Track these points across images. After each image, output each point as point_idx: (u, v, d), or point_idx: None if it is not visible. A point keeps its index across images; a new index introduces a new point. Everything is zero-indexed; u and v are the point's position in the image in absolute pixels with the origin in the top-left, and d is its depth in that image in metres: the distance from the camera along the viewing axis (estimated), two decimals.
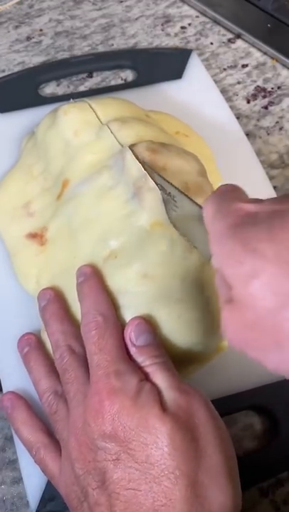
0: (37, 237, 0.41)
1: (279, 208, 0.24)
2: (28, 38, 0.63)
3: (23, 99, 0.54)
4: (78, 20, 0.65)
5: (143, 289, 0.35)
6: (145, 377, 0.32)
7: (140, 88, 0.55)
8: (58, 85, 0.58)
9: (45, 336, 0.38)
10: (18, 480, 0.37)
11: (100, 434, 0.30)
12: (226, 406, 0.38)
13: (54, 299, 0.38)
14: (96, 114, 0.43)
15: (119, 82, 0.58)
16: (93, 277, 0.36)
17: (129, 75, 0.59)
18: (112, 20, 0.65)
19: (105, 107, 0.43)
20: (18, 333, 0.39)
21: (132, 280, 0.35)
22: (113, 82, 0.58)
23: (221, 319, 0.25)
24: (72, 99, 0.46)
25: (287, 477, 0.38)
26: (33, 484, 0.36)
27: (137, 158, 0.37)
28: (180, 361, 0.36)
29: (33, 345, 0.38)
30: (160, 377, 0.32)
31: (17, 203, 0.43)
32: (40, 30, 0.64)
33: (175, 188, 0.35)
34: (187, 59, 0.58)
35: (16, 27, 0.65)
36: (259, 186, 0.49)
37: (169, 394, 0.31)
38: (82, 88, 0.58)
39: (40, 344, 0.38)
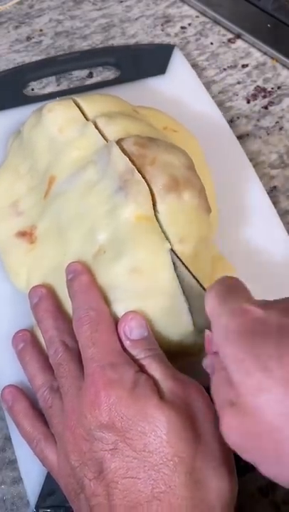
0: (26, 235, 0.42)
1: (286, 322, 0.25)
2: (28, 38, 0.64)
3: (8, 99, 0.54)
4: (78, 21, 0.65)
5: (133, 283, 0.35)
6: (140, 369, 0.32)
7: (124, 84, 0.56)
8: (58, 85, 0.58)
9: (38, 333, 0.39)
10: (18, 480, 0.37)
11: (96, 425, 0.30)
12: None
13: (46, 296, 0.39)
14: (82, 110, 0.43)
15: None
16: (82, 274, 0.37)
17: None
18: (112, 21, 0.65)
19: (91, 103, 0.44)
20: (11, 331, 0.40)
21: (121, 275, 0.36)
22: None
23: (221, 419, 0.26)
24: (58, 97, 0.46)
25: None
26: (32, 480, 0.36)
27: (125, 152, 0.38)
28: (174, 354, 0.36)
29: (27, 341, 0.38)
30: (155, 369, 0.32)
31: (5, 202, 0.44)
32: (41, 30, 0.64)
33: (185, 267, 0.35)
34: (170, 54, 0.58)
35: (16, 27, 0.65)
36: (245, 175, 0.49)
37: (166, 384, 0.31)
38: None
39: (34, 340, 0.39)
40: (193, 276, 0.34)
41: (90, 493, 0.30)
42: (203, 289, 0.33)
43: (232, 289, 0.29)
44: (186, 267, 0.35)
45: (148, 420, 0.29)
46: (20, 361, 0.38)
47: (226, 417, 0.25)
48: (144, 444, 0.29)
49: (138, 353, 0.33)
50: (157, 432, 0.29)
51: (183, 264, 0.35)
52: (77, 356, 0.34)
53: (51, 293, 0.39)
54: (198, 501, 0.28)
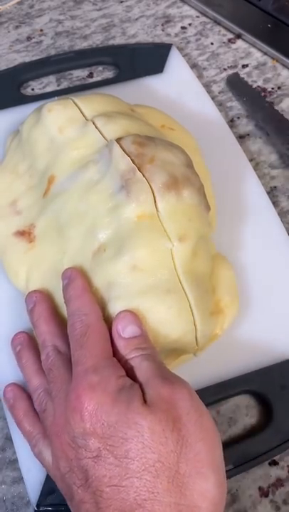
0: (25, 234, 0.42)
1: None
2: (29, 38, 0.64)
3: (6, 98, 0.54)
4: (79, 21, 0.65)
5: (133, 281, 0.35)
6: (131, 368, 0.32)
7: (123, 83, 0.56)
8: (58, 85, 0.58)
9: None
10: (19, 480, 0.37)
11: (79, 432, 0.30)
12: (219, 392, 0.39)
13: (40, 301, 0.39)
14: (80, 110, 0.43)
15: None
16: (77, 279, 0.37)
17: None
18: (113, 21, 0.65)
19: (90, 103, 0.44)
20: (10, 331, 0.40)
21: (121, 272, 0.36)
22: None
23: None
24: (56, 97, 0.46)
25: (287, 477, 0.38)
26: (33, 478, 0.36)
27: (124, 151, 0.38)
28: (172, 351, 0.36)
29: (25, 343, 0.39)
30: (145, 368, 0.32)
31: (3, 201, 0.44)
32: (41, 30, 0.64)
33: None
34: (168, 53, 0.58)
35: (17, 27, 0.65)
36: (244, 175, 0.49)
37: (152, 384, 0.31)
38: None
39: (32, 342, 0.39)
40: None
41: (79, 499, 0.30)
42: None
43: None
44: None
45: (130, 426, 0.29)
46: (18, 363, 0.38)
47: None
48: (125, 451, 0.29)
49: (130, 351, 0.33)
50: (139, 437, 0.29)
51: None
52: (68, 361, 0.34)
53: (46, 297, 0.39)
54: (184, 506, 0.28)
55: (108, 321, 0.35)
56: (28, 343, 0.39)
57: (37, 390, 0.35)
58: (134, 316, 0.35)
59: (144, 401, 0.30)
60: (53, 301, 0.39)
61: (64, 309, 0.38)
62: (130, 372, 0.32)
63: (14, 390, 0.37)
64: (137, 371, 0.32)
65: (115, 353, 0.34)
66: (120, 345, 0.34)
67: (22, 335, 0.39)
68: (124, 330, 0.34)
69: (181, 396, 0.30)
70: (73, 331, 0.34)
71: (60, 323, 0.38)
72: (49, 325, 0.37)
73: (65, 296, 0.37)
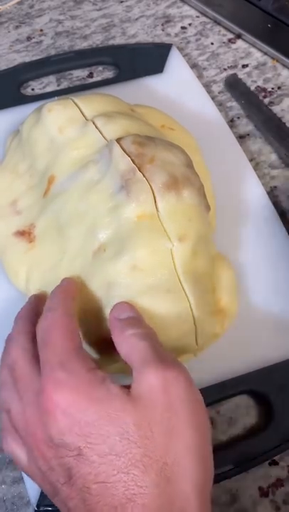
0: (25, 234, 0.42)
1: None
2: (29, 38, 0.64)
3: (6, 98, 0.54)
4: (79, 21, 0.65)
5: (133, 281, 0.35)
6: (128, 348, 0.31)
7: (122, 83, 0.56)
8: (58, 85, 0.58)
9: None
10: (19, 480, 0.37)
11: (55, 432, 0.29)
12: (219, 392, 0.39)
13: (27, 303, 0.38)
14: (80, 110, 0.43)
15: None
16: (66, 280, 0.37)
17: None
18: (113, 21, 0.65)
19: (90, 103, 0.44)
20: (9, 332, 0.39)
21: (121, 272, 0.36)
22: None
23: None
24: (56, 97, 0.46)
25: (287, 477, 0.38)
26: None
27: (124, 151, 0.38)
28: (172, 351, 0.36)
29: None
30: (141, 348, 0.31)
31: (3, 201, 0.44)
32: (41, 30, 0.64)
33: None
34: (168, 53, 0.58)
35: (17, 27, 0.65)
36: (244, 175, 0.49)
37: (146, 369, 0.29)
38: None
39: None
40: None
41: (65, 496, 0.29)
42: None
43: None
44: None
45: (113, 423, 0.28)
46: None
47: None
48: (109, 448, 0.28)
49: (127, 329, 0.32)
50: (124, 434, 0.28)
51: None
52: (35, 357, 0.33)
53: (36, 299, 0.39)
54: (173, 497, 0.27)
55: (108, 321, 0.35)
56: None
57: (3, 385, 0.33)
58: (131, 304, 0.35)
59: (128, 388, 0.29)
60: None
61: None
62: (127, 354, 0.31)
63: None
64: (133, 351, 0.31)
65: (113, 337, 0.33)
66: (117, 326, 0.33)
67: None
68: (121, 314, 0.34)
69: (175, 382, 0.29)
70: (40, 329, 0.33)
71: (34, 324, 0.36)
72: (24, 324, 0.36)
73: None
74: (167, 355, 0.31)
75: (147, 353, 0.30)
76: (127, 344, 0.32)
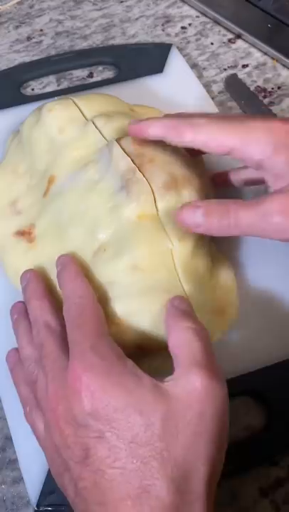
0: (25, 234, 0.42)
1: None
2: (29, 38, 0.64)
3: (6, 98, 0.55)
4: (79, 21, 0.66)
5: (133, 281, 0.36)
6: (177, 339, 0.31)
7: (122, 83, 0.56)
8: (58, 85, 0.58)
9: None
10: (19, 480, 0.37)
11: (79, 411, 0.29)
12: None
13: (33, 278, 0.39)
14: (80, 110, 0.43)
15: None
16: (70, 264, 0.37)
17: None
18: (113, 21, 0.65)
19: (90, 103, 0.44)
20: (10, 332, 0.39)
21: (121, 272, 0.36)
22: None
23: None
24: (57, 97, 0.46)
25: (287, 477, 0.38)
26: (33, 478, 0.36)
27: (124, 151, 0.38)
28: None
29: (22, 312, 0.38)
30: (194, 346, 0.31)
31: (3, 201, 0.44)
32: (41, 30, 0.65)
33: None
34: (167, 53, 0.58)
35: (17, 27, 0.65)
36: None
37: (190, 369, 0.30)
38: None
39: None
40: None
41: (76, 475, 0.29)
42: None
43: None
44: None
45: (142, 414, 0.28)
46: (14, 331, 0.38)
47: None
48: (132, 436, 0.28)
49: (182, 321, 0.32)
50: (150, 426, 0.28)
51: None
52: (60, 337, 0.34)
53: (39, 275, 0.39)
54: (187, 492, 0.28)
55: (108, 321, 0.35)
56: (26, 313, 0.38)
57: (28, 359, 0.35)
58: (188, 300, 0.35)
59: (156, 378, 0.29)
60: (53, 299, 0.39)
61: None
62: (177, 346, 0.31)
63: (17, 355, 0.37)
64: (185, 346, 0.31)
65: (166, 322, 0.33)
66: (174, 314, 0.33)
67: (21, 304, 0.39)
68: (180, 304, 0.34)
69: (216, 394, 0.29)
70: (69, 313, 0.34)
71: (52, 300, 0.37)
72: (41, 300, 0.37)
73: (59, 282, 0.37)
74: (215, 361, 0.31)
75: (200, 354, 0.30)
76: (180, 336, 0.32)
